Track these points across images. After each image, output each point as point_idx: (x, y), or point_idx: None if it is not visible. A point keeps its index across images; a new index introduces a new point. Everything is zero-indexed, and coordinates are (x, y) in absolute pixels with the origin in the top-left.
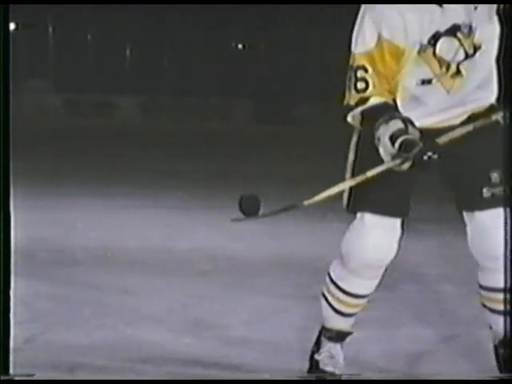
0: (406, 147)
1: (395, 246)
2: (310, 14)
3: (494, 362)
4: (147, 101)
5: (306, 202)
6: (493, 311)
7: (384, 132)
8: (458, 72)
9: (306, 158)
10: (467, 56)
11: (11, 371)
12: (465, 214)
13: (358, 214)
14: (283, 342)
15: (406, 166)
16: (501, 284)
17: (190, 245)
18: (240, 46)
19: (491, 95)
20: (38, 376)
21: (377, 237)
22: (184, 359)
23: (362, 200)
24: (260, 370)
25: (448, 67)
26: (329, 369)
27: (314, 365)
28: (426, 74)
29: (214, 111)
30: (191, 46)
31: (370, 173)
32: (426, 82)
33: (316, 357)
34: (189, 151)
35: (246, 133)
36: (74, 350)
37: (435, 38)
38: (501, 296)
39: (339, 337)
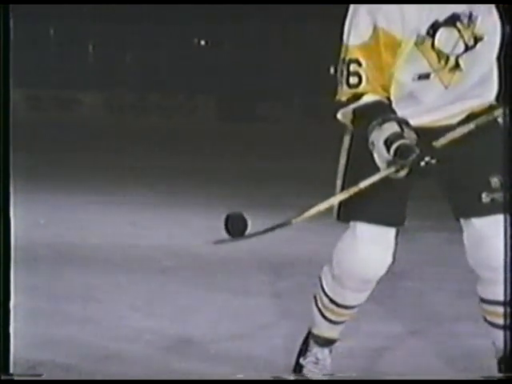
0: (402, 153)
1: (389, 259)
2: (274, 11)
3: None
4: (110, 97)
5: (294, 220)
6: (494, 325)
7: (378, 136)
8: (457, 66)
9: (268, 156)
10: (467, 48)
11: (11, 371)
12: (462, 220)
13: (351, 224)
14: (247, 337)
15: (403, 173)
16: (502, 297)
17: (154, 242)
18: (203, 43)
19: (491, 92)
20: (38, 376)
21: (370, 250)
22: (145, 356)
23: (354, 208)
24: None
25: (447, 60)
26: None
27: (297, 368)
28: (424, 67)
29: (177, 108)
30: (154, 43)
31: (364, 184)
32: (424, 76)
33: (301, 361)
34: (151, 148)
35: (209, 130)
36: (36, 346)
37: (434, 29)
38: (502, 309)
39: (327, 343)
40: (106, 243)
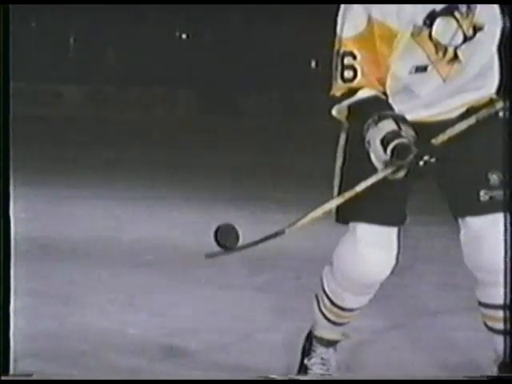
0: (399, 153)
1: (392, 261)
2: (257, 4)
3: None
4: (91, 90)
5: (287, 230)
6: (494, 331)
7: (374, 135)
8: (456, 57)
9: (248, 149)
10: (466, 39)
11: (11, 371)
12: (459, 220)
13: (350, 225)
14: (229, 332)
15: (401, 174)
16: (501, 300)
17: (134, 235)
18: (184, 36)
19: (492, 85)
20: (39, 376)
21: (371, 253)
22: (128, 349)
23: (353, 209)
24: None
25: (445, 52)
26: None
27: (303, 369)
28: (421, 59)
29: (159, 101)
30: (135, 36)
31: (360, 187)
32: (421, 69)
33: (306, 362)
34: (133, 141)
35: (190, 124)
36: (16, 339)
37: (431, 19)
38: (501, 314)
39: (331, 343)
40: (87, 237)
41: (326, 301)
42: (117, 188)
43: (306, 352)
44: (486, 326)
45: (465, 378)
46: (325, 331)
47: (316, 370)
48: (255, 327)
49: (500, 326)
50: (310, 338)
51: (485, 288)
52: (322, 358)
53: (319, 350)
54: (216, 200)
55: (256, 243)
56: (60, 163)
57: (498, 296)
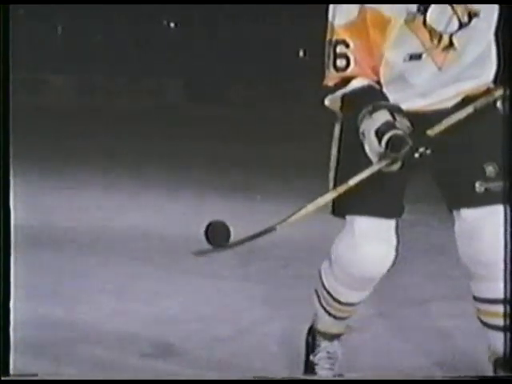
0: (394, 145)
1: (392, 254)
2: None
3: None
4: (80, 79)
5: (278, 226)
6: (489, 326)
7: (368, 126)
8: (451, 45)
9: (230, 139)
10: (461, 25)
11: (11, 371)
12: (454, 211)
13: (347, 218)
14: (217, 318)
15: (396, 166)
16: (496, 294)
17: (124, 224)
18: (172, 25)
19: (489, 73)
20: (39, 376)
21: (370, 246)
22: (119, 338)
23: (350, 201)
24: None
25: (440, 39)
26: (326, 372)
27: (309, 366)
28: (415, 47)
29: (146, 91)
30: (123, 24)
31: (353, 181)
32: (415, 56)
33: (312, 358)
34: (121, 130)
35: (177, 114)
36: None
37: (425, 5)
38: (496, 308)
39: (334, 337)
40: (76, 227)
41: (327, 296)
42: (107, 177)
43: (311, 348)
44: (481, 321)
45: (465, 378)
46: (328, 325)
47: (323, 365)
48: (244, 316)
49: (495, 321)
50: (312, 332)
51: (480, 282)
52: (327, 352)
53: (324, 344)
54: (207, 189)
55: (246, 240)
56: (49, 152)
57: (493, 290)
